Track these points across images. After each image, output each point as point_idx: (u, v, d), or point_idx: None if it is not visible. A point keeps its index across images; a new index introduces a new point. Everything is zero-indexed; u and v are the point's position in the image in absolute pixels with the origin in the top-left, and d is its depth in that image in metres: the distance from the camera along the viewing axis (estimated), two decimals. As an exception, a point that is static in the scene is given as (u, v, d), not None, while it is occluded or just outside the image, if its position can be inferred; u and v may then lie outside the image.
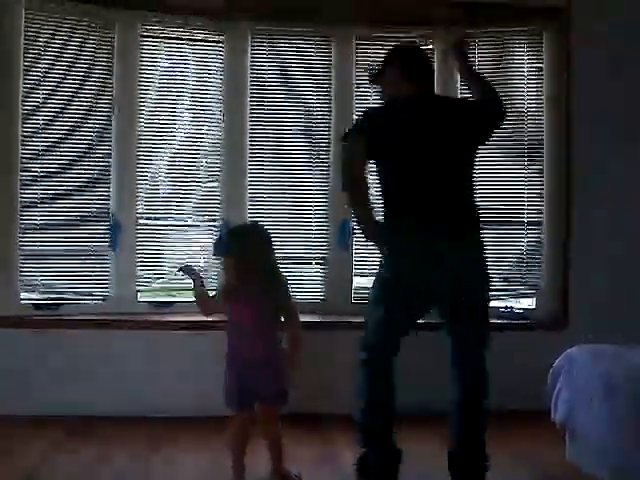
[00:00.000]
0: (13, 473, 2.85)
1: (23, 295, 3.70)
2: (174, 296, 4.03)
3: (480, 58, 3.92)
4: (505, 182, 3.96)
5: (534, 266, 3.93)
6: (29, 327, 3.61)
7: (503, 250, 3.93)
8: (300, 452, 3.08)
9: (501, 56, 3.93)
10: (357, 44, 3.95)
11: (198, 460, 3.06)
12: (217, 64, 3.92)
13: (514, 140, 3.92)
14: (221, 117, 3.90)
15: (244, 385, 2.70)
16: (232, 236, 2.87)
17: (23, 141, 3.66)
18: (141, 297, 3.86)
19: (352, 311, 3.77)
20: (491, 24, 3.90)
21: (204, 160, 3.95)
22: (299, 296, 3.72)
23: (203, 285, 2.82)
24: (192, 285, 2.80)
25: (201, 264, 3.86)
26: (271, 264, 2.79)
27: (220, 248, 2.79)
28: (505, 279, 3.93)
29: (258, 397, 2.74)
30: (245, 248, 2.72)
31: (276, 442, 2.84)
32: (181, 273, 2.86)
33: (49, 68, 3.70)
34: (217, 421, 3.02)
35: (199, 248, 3.95)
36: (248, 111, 3.91)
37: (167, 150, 3.95)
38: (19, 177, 3.66)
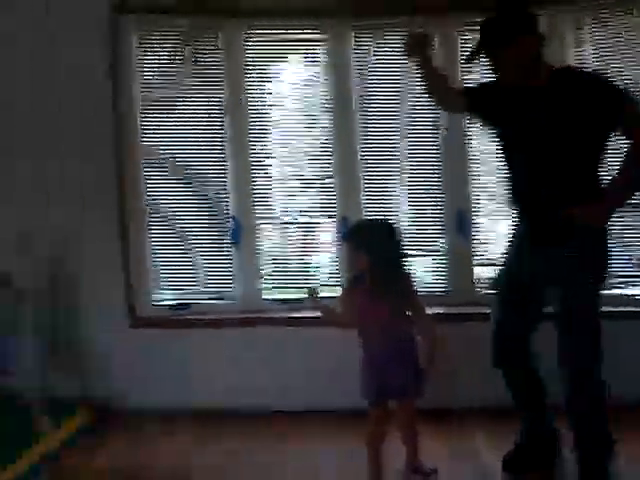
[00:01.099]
0: (159, 468, 3.01)
1: (155, 297, 3.89)
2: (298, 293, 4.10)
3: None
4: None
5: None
6: (162, 327, 3.79)
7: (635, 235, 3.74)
8: (435, 446, 3.10)
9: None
10: (457, 32, 3.84)
11: (335, 455, 3.13)
12: (322, 61, 3.93)
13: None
14: (331, 115, 3.92)
15: (380, 381, 2.73)
16: (361, 230, 2.89)
17: (144, 144, 3.85)
18: (265, 295, 3.96)
19: (476, 301, 3.75)
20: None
21: (318, 158, 3.99)
22: (421, 288, 3.70)
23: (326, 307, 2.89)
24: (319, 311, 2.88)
25: (320, 261, 3.93)
26: (398, 259, 2.80)
27: (349, 241, 2.81)
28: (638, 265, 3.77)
29: (394, 392, 2.76)
30: (374, 243, 2.74)
31: (412, 436, 2.87)
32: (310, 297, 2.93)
33: (162, 79, 3.87)
34: (351, 416, 3.08)
35: (319, 245, 4.02)
36: (357, 106, 3.91)
37: (281, 149, 4.02)
38: (144, 182, 3.85)
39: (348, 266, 2.88)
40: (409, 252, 2.97)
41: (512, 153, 2.70)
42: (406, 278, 2.82)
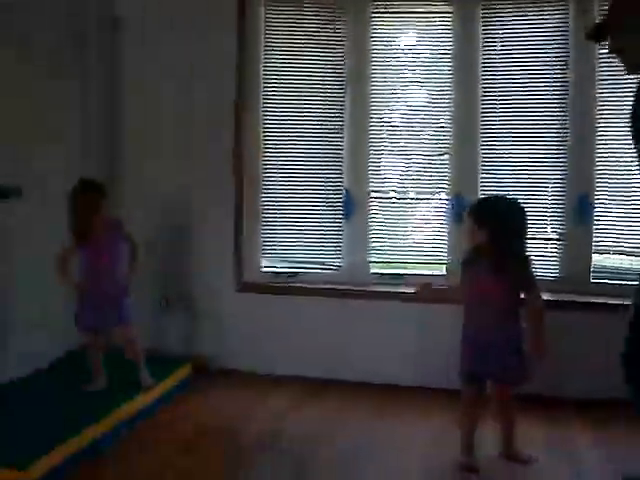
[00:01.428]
0: (250, 426, 3.09)
1: (265, 263, 3.98)
2: (405, 268, 4.07)
3: None
4: None
5: None
6: (268, 293, 3.87)
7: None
8: (535, 435, 3.01)
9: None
10: (600, 6, 3.61)
11: (428, 430, 3.09)
12: (448, 36, 3.83)
13: None
14: (452, 89, 3.83)
15: (478, 361, 2.68)
16: (485, 204, 2.84)
17: (264, 118, 3.93)
18: (372, 268, 3.95)
19: (590, 290, 3.58)
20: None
21: (435, 133, 3.92)
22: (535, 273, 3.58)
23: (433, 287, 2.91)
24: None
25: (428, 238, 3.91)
26: (522, 240, 2.72)
27: (472, 215, 2.75)
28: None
29: (492, 375, 2.71)
30: (497, 218, 2.68)
31: (508, 422, 2.79)
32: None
33: (285, 49, 3.91)
34: (447, 394, 3.03)
35: (429, 221, 3.97)
36: (480, 82, 3.79)
37: (398, 124, 3.98)
38: (261, 155, 3.93)
39: (469, 240, 2.81)
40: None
41: None
42: (524, 258, 2.73)
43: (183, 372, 3.60)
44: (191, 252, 3.92)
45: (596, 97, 3.62)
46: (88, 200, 3.13)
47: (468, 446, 2.74)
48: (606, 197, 3.67)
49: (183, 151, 3.90)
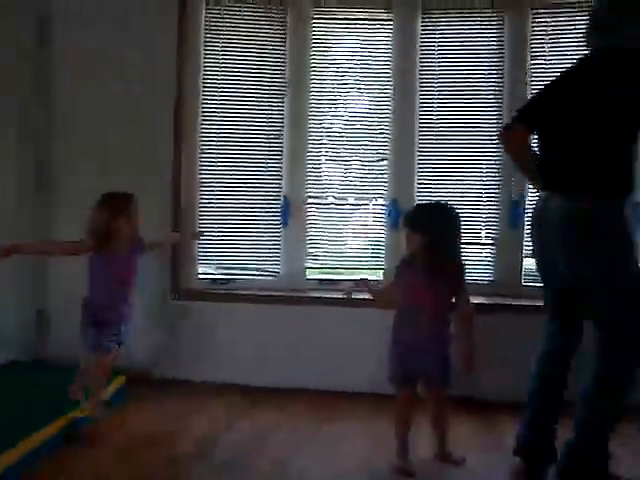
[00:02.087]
0: (189, 435, 3.05)
1: (200, 270, 3.93)
2: (341, 274, 4.08)
3: None
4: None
5: None
6: (205, 300, 3.83)
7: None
8: (467, 437, 3.04)
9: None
10: (533, 14, 3.75)
11: (363, 435, 3.10)
12: (387, 43, 3.89)
13: None
14: (391, 95, 3.88)
15: (409, 364, 2.70)
16: (421, 211, 2.87)
17: (202, 122, 3.89)
18: (309, 274, 3.95)
19: (522, 293, 3.66)
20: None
21: (374, 139, 3.95)
22: (468, 277, 3.63)
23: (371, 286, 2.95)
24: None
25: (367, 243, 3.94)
26: (456, 246, 2.77)
27: (407, 221, 2.78)
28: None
29: (424, 378, 2.74)
30: (434, 226, 2.71)
31: (442, 424, 2.82)
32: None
33: (226, 53, 3.89)
34: (381, 398, 3.05)
35: (366, 226, 4.00)
36: (418, 89, 3.85)
37: (337, 130, 4.00)
38: (198, 158, 3.88)
39: (406, 246, 2.83)
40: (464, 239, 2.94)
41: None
42: (458, 263, 2.78)
43: (118, 382, 3.50)
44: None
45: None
46: (128, 207, 3.03)
47: (403, 449, 2.76)
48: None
49: (125, 154, 3.81)
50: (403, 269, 2.79)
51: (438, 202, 3.13)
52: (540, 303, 2.80)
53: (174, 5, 3.78)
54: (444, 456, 2.82)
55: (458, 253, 2.78)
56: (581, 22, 3.62)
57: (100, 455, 2.81)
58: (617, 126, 2.48)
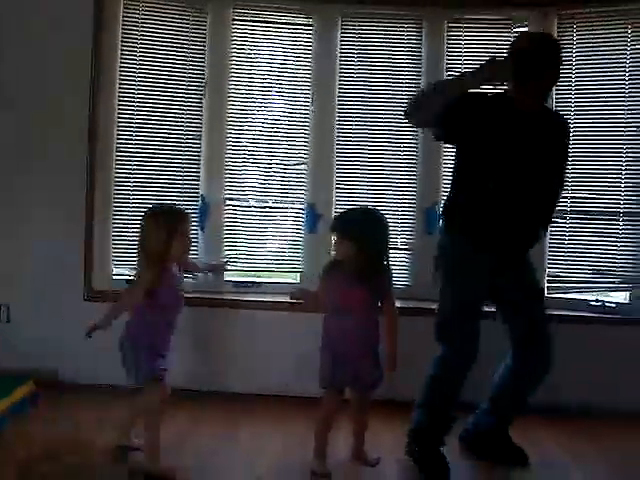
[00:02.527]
0: (101, 443, 2.95)
1: (115, 270, 3.84)
2: (259, 277, 4.08)
3: (578, 38, 3.75)
4: (600, 170, 3.77)
5: (629, 259, 3.76)
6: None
7: (596, 242, 3.77)
8: (383, 438, 3.09)
9: (601, 36, 3.73)
10: (448, 27, 3.86)
11: (283, 437, 3.10)
12: (307, 47, 3.91)
13: (612, 126, 3.74)
14: (310, 100, 3.90)
15: (339, 368, 2.72)
16: (352, 218, 2.84)
17: (119, 122, 3.79)
18: (227, 277, 3.92)
19: (436, 297, 3.74)
20: (591, 2, 3.72)
21: (292, 143, 3.96)
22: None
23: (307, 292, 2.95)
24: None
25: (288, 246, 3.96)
26: (385, 252, 2.80)
27: (337, 227, 2.79)
28: (596, 272, 3.79)
29: (353, 382, 2.76)
30: (365, 233, 2.72)
31: (362, 427, 2.87)
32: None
33: (144, 54, 3.81)
34: (305, 401, 3.06)
35: (285, 230, 4.00)
36: (337, 94, 3.89)
37: (256, 133, 3.98)
38: (114, 157, 3.79)
39: (335, 251, 2.83)
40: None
41: (495, 169, 2.75)
42: (386, 270, 2.81)
43: (24, 390, 3.32)
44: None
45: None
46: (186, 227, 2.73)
47: (322, 452, 2.78)
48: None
49: (38, 153, 3.69)
50: (331, 273, 2.80)
51: (367, 208, 3.15)
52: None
53: (89, 3, 3.67)
54: (360, 457, 2.85)
55: (386, 258, 2.81)
56: (495, 33, 3.80)
57: (2, 467, 2.66)
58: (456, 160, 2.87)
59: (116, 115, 3.78)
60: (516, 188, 2.72)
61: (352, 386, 2.80)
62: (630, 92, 3.71)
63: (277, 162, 3.98)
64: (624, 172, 3.74)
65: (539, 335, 2.85)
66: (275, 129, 3.98)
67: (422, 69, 3.88)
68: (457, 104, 2.71)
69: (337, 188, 3.91)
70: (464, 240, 2.80)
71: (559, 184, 2.90)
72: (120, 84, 3.78)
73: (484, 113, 2.74)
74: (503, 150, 2.71)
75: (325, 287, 2.80)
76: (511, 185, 2.72)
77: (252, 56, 3.97)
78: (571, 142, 2.95)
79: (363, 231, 2.72)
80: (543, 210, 2.87)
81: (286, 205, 3.98)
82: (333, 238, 2.81)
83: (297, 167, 3.95)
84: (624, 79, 3.72)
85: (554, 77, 2.78)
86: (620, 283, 3.79)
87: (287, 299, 3.00)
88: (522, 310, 2.88)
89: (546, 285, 3.81)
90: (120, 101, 3.79)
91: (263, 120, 4.01)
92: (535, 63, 2.68)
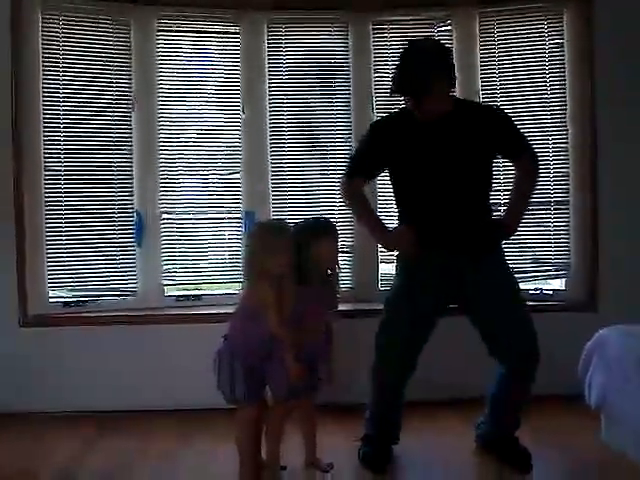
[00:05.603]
0: (47, 469, 2.87)
1: (52, 293, 3.73)
2: (201, 289, 4.03)
3: (499, 35, 3.85)
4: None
5: (562, 247, 3.87)
6: (58, 325, 3.64)
7: (531, 231, 3.86)
8: (333, 442, 3.08)
9: (521, 32, 3.83)
10: (374, 29, 3.90)
11: (230, 452, 3.06)
12: (235, 55, 3.89)
13: (537, 119, 3.85)
14: (241, 108, 3.88)
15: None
16: (305, 228, 2.78)
17: (45, 139, 3.68)
18: (168, 292, 3.88)
19: (379, 298, 3.76)
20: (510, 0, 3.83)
21: (225, 153, 3.93)
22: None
23: None
24: None
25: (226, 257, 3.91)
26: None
27: (298, 238, 2.71)
28: (534, 261, 3.89)
29: (309, 388, 2.76)
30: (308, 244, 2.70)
31: (311, 433, 2.87)
32: None
33: (67, 66, 3.71)
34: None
35: (223, 241, 3.95)
36: (267, 101, 3.89)
37: (188, 144, 3.94)
38: (43, 175, 3.68)
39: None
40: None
41: (420, 177, 2.79)
42: (336, 277, 2.84)
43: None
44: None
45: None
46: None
47: (276, 458, 2.76)
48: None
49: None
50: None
51: (318, 218, 2.99)
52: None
53: (5, 12, 3.55)
54: (313, 463, 2.85)
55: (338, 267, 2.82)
56: (420, 33, 3.85)
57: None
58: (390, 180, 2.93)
59: (42, 135, 3.66)
60: (444, 191, 2.75)
61: (306, 393, 2.78)
62: (551, 85, 3.82)
63: (211, 172, 3.94)
64: (552, 162, 3.84)
65: (516, 341, 2.77)
66: (207, 139, 3.94)
67: (350, 71, 3.91)
68: (369, 145, 2.86)
69: (273, 193, 3.90)
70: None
71: (487, 168, 2.86)
72: (44, 102, 3.66)
73: (391, 137, 2.81)
74: (418, 161, 2.76)
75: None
76: (438, 190, 2.75)
77: (180, 67, 3.92)
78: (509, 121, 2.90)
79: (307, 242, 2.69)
80: (476, 196, 2.84)
81: (223, 215, 3.94)
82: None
83: (232, 176, 3.92)
84: (545, 72, 3.83)
85: (445, 85, 2.73)
86: (556, 270, 3.89)
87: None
88: (492, 319, 2.80)
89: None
90: (45, 120, 3.67)
91: (195, 131, 3.96)
92: (419, 80, 2.65)
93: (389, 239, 2.86)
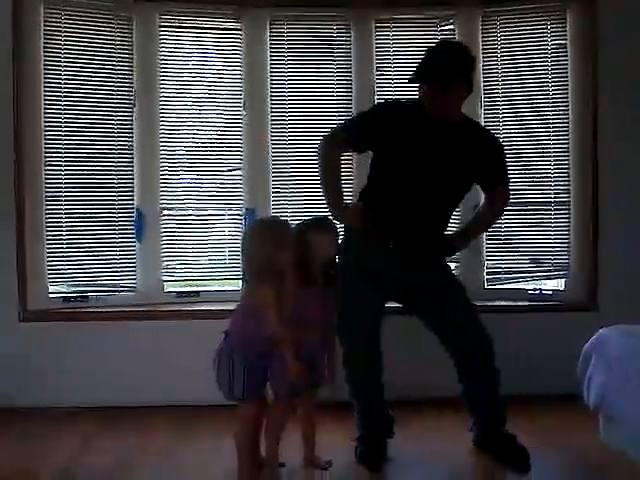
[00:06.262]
0: (47, 467, 2.87)
1: (52, 289, 3.73)
2: (200, 286, 4.03)
3: (502, 34, 3.85)
4: (530, 162, 3.87)
5: (562, 247, 3.87)
6: (58, 320, 3.64)
7: (530, 231, 3.87)
8: (332, 440, 3.08)
9: (524, 32, 3.84)
10: (376, 27, 3.90)
11: (230, 448, 3.06)
12: (237, 52, 3.89)
13: (539, 119, 3.85)
14: (242, 104, 3.88)
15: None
16: (310, 228, 2.78)
17: (46, 134, 3.67)
18: (167, 287, 3.88)
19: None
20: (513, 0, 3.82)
21: (226, 149, 3.93)
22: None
23: None
24: None
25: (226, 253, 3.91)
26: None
27: (298, 239, 2.71)
28: (533, 261, 3.89)
29: (310, 385, 2.77)
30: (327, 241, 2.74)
31: (311, 431, 2.87)
32: None
33: (69, 62, 3.70)
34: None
35: (223, 237, 3.96)
36: (269, 98, 3.89)
37: (189, 140, 3.94)
38: (43, 171, 3.68)
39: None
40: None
41: (406, 174, 2.81)
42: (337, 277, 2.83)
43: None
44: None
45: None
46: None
47: (275, 456, 2.76)
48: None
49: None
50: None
51: (321, 217, 2.96)
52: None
53: (7, 7, 3.54)
54: (312, 461, 2.85)
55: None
56: (422, 32, 3.85)
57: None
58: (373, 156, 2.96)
59: (43, 130, 3.66)
60: (419, 194, 2.79)
61: (308, 390, 2.79)
62: (554, 85, 3.82)
63: (212, 169, 3.94)
64: (553, 163, 3.84)
65: (464, 334, 2.89)
66: (208, 135, 3.94)
67: (352, 69, 3.90)
68: (368, 118, 2.88)
69: (274, 191, 3.89)
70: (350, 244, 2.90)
71: (466, 190, 2.95)
72: (45, 97, 3.66)
73: (393, 121, 2.80)
74: (409, 157, 2.78)
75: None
76: (414, 191, 2.79)
77: (182, 62, 3.92)
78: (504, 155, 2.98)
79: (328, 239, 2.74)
80: (444, 212, 2.93)
81: (223, 212, 3.94)
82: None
83: (233, 173, 3.92)
84: (547, 72, 3.83)
85: (464, 89, 2.78)
86: (555, 270, 3.89)
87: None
88: (437, 321, 2.92)
89: (485, 277, 3.89)
90: (46, 115, 3.67)
91: (196, 127, 3.96)
92: (446, 69, 2.70)
93: (346, 212, 2.90)
